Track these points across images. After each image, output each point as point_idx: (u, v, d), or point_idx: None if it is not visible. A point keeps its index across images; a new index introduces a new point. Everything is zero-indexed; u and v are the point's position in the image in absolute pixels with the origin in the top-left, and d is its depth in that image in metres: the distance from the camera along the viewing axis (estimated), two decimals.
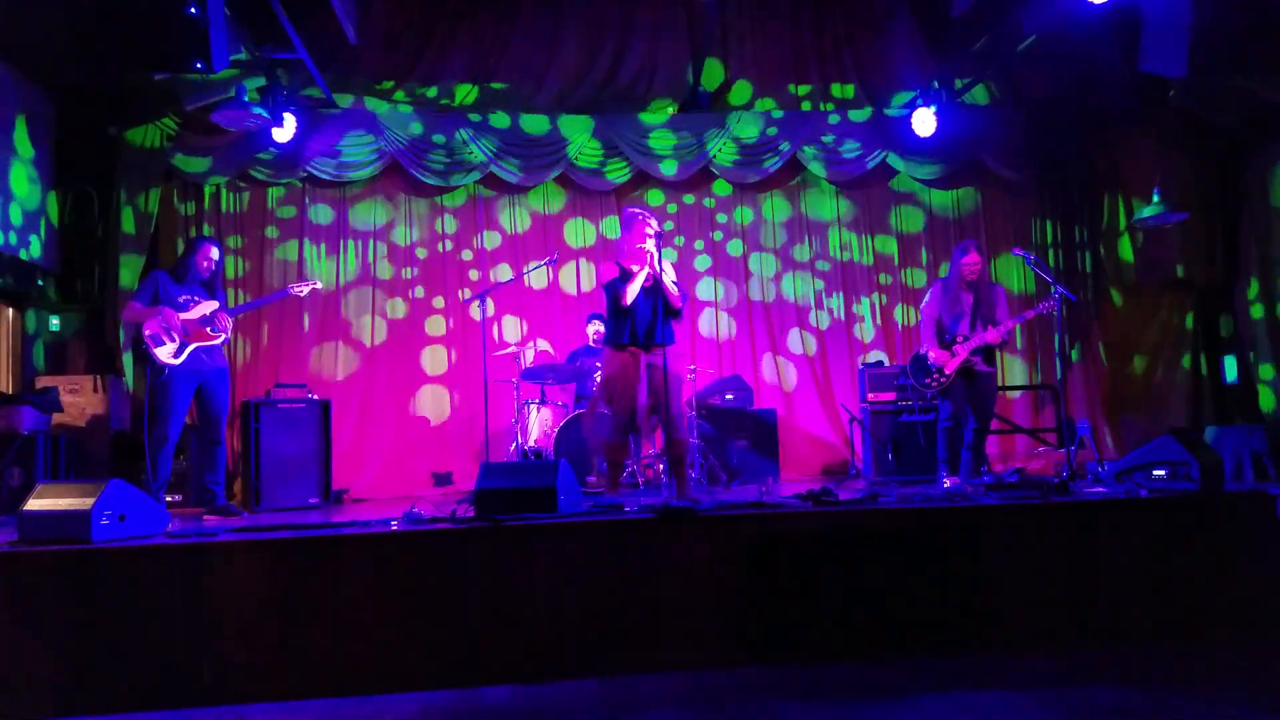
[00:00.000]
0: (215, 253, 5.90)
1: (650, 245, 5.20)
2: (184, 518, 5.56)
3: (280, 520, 4.89)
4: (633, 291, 5.19)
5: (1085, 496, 4.37)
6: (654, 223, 5.32)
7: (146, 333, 5.50)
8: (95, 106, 7.58)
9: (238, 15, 6.35)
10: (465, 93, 8.26)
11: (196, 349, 5.63)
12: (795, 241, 8.88)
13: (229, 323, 5.86)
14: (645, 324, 5.23)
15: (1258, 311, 8.16)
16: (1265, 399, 7.96)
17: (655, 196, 8.62)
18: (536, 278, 8.46)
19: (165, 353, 5.51)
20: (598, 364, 7.16)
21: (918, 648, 3.84)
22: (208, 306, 5.74)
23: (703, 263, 8.71)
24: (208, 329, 5.68)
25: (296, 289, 6.17)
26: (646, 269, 5.19)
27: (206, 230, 7.97)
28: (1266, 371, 7.97)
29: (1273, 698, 3.24)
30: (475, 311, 8.01)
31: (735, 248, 8.81)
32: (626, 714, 3.30)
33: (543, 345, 8.35)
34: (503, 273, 8.43)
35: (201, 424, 5.81)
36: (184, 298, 5.68)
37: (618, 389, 5.29)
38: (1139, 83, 8.12)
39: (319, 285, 6.44)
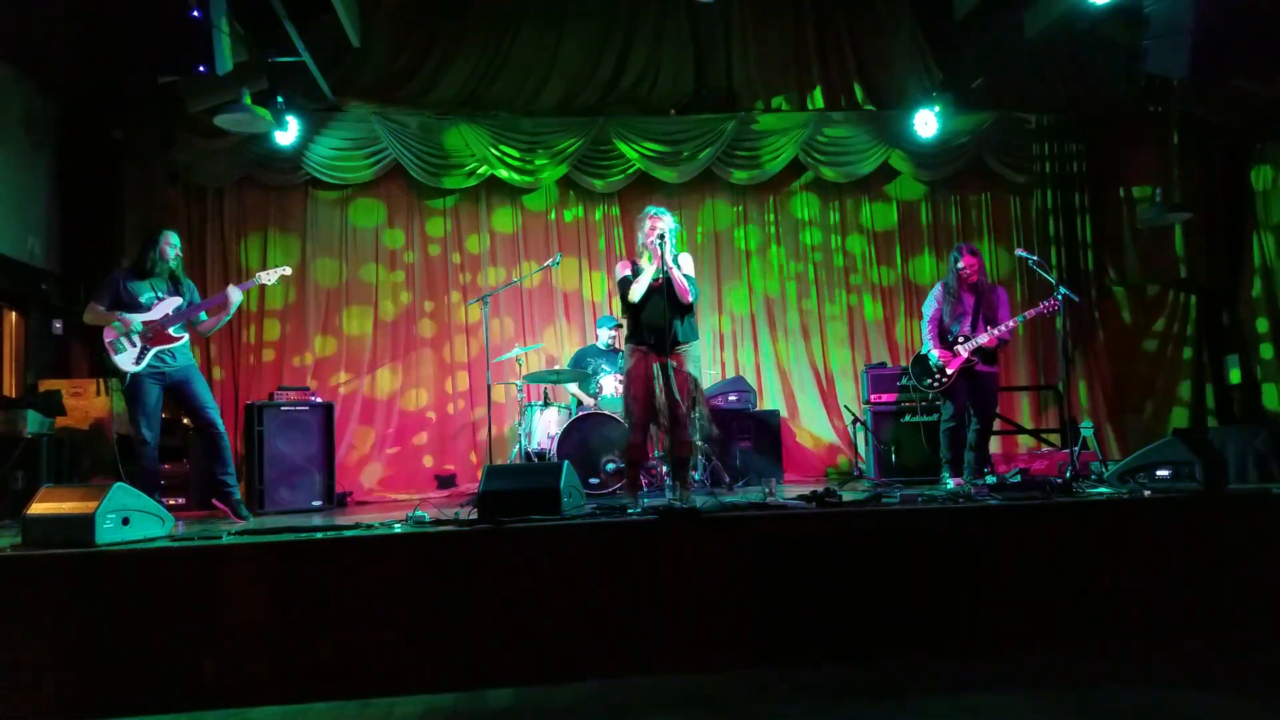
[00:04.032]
0: (176, 239, 5.71)
1: (658, 240, 5.19)
2: (187, 521, 5.56)
3: (284, 523, 4.90)
4: (639, 287, 5.20)
5: (1089, 497, 4.37)
6: (666, 219, 5.32)
7: (106, 339, 5.39)
8: (99, 110, 7.59)
9: (241, 19, 6.35)
10: (468, 95, 8.25)
11: (157, 352, 5.46)
12: (798, 242, 8.87)
13: (238, 294, 5.71)
14: (656, 321, 5.20)
15: (1260, 311, 8.16)
16: (1269, 397, 7.97)
17: (658, 198, 8.61)
18: (539, 280, 8.46)
19: (125, 359, 5.38)
20: (604, 366, 7.18)
21: (922, 649, 3.83)
22: (170, 304, 5.58)
23: (706, 264, 8.69)
24: (169, 330, 5.50)
25: (265, 276, 5.94)
26: (654, 264, 5.19)
27: (211, 232, 8.02)
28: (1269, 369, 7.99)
29: (1277, 697, 3.23)
30: (477, 313, 8.02)
31: (739, 249, 8.81)
32: (629, 717, 3.30)
33: (544, 346, 8.37)
34: (505, 274, 8.43)
35: (190, 420, 5.74)
36: (146, 296, 5.52)
37: (631, 388, 5.32)
38: (1142, 83, 8.13)
39: (288, 271, 6.21)
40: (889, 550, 3.93)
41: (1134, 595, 4.02)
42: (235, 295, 5.72)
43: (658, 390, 5.26)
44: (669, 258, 5.17)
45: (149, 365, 5.43)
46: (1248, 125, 8.02)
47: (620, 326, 7.44)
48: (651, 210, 5.38)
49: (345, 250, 8.34)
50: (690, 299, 5.25)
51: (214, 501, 5.50)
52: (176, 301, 5.60)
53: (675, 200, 8.66)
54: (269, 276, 5.93)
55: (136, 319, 5.43)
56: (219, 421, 5.66)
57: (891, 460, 7.30)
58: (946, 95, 8.09)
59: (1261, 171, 8.20)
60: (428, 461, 8.20)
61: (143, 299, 5.50)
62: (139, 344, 5.41)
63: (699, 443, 6.10)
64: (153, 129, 7.62)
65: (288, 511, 6.39)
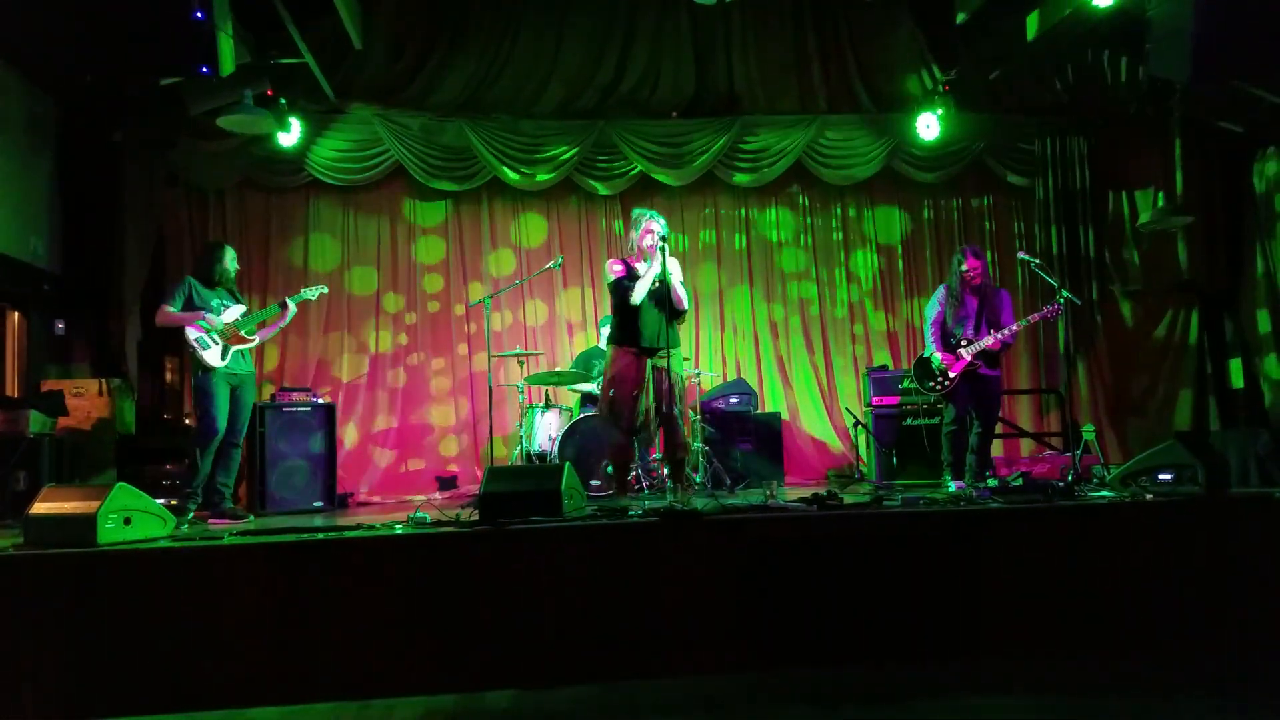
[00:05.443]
0: (233, 252, 6.07)
1: (655, 244, 5.21)
2: (190, 521, 5.56)
3: (285, 524, 4.90)
4: (641, 290, 5.21)
5: (1090, 500, 4.36)
6: (661, 223, 5.33)
7: (192, 336, 5.62)
8: (100, 110, 7.59)
9: (243, 20, 6.36)
10: (469, 97, 8.25)
11: (235, 352, 5.77)
12: (799, 245, 8.88)
13: (293, 307, 6.08)
14: (652, 325, 5.22)
15: (1262, 314, 8.15)
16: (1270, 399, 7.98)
17: (660, 201, 8.62)
18: (541, 280, 8.46)
19: (211, 356, 5.64)
20: None
21: (922, 653, 3.83)
22: (237, 310, 5.89)
23: (707, 267, 8.71)
24: (241, 332, 5.80)
25: (310, 291, 6.22)
26: (654, 268, 5.20)
27: (212, 235, 8.02)
28: (1271, 368, 8.00)
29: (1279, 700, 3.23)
30: (478, 314, 8.02)
31: (739, 252, 8.81)
32: (629, 718, 3.29)
33: (544, 348, 8.37)
34: (507, 275, 8.43)
35: (226, 426, 5.85)
36: (216, 302, 5.82)
37: (620, 390, 5.29)
38: (1144, 86, 8.13)
39: (325, 289, 6.48)
40: (890, 553, 3.92)
41: (1135, 598, 4.01)
42: (292, 308, 6.11)
43: (650, 395, 5.27)
44: (664, 263, 5.19)
45: (230, 364, 5.73)
46: (1250, 128, 8.01)
47: None
48: (647, 214, 5.40)
49: (347, 252, 8.35)
50: (685, 306, 5.32)
51: (210, 521, 5.56)
52: (241, 309, 5.95)
53: (677, 203, 8.68)
54: (312, 291, 6.28)
55: (218, 319, 5.74)
56: (241, 439, 5.92)
57: (893, 463, 7.30)
58: (948, 98, 8.10)
59: (1263, 174, 8.20)
60: (429, 462, 8.20)
61: (213, 304, 5.81)
62: (220, 342, 5.70)
63: (693, 444, 6.12)
64: (153, 130, 7.61)
65: (289, 512, 6.40)
